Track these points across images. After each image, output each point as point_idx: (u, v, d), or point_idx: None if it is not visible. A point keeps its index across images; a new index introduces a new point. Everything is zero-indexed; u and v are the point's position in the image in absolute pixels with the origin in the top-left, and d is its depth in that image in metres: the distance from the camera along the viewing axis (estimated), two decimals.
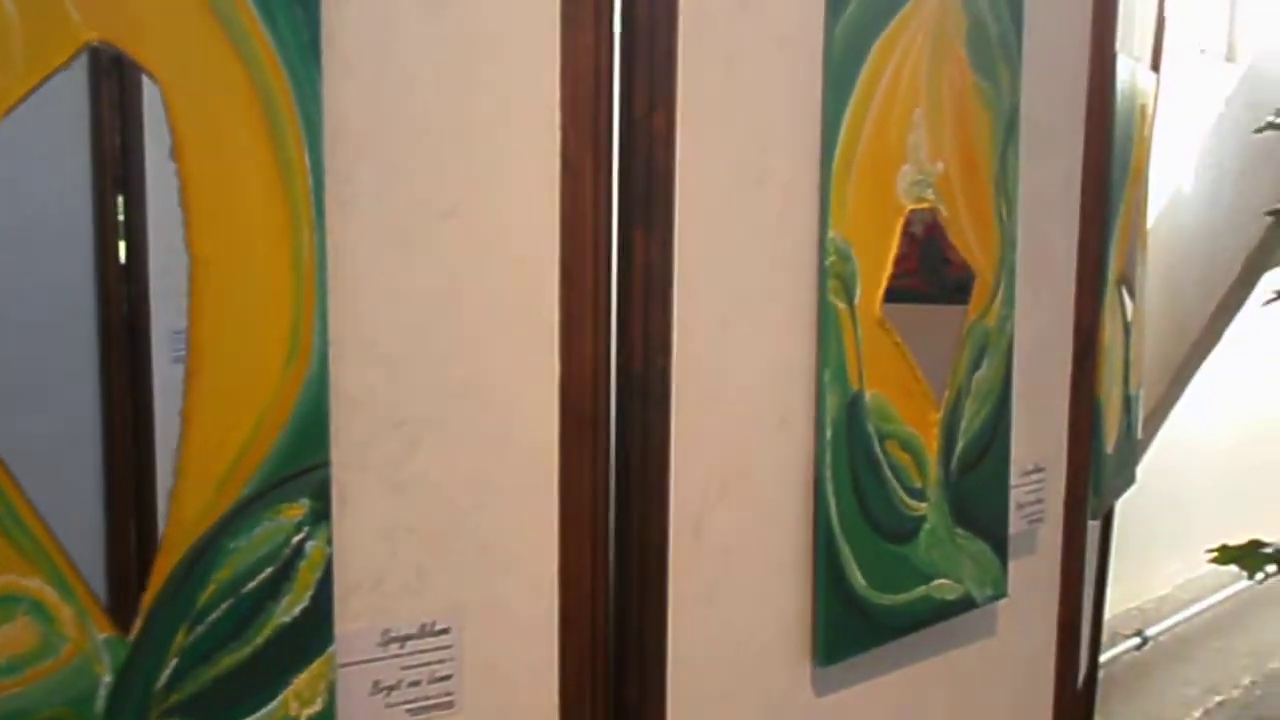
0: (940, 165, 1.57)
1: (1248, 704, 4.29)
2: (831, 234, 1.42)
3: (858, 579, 1.50)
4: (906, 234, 1.53)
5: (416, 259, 1.13)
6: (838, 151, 1.42)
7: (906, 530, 1.58)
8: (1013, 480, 1.77)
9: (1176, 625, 3.80)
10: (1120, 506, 3.66)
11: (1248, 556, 2.96)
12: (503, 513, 1.20)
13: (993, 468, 1.71)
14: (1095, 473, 2.22)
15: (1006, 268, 1.70)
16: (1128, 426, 2.44)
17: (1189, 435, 3.89)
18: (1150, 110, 2.45)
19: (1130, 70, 2.25)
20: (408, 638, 1.15)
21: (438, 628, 1.17)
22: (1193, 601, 3.90)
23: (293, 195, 0.99)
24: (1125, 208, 2.29)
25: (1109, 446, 2.29)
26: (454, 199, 1.14)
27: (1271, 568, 2.98)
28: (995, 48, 1.64)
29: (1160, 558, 3.36)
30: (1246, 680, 4.38)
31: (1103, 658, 3.44)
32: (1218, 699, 4.17)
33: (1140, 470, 3.65)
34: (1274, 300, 2.92)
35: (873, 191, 1.48)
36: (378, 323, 1.11)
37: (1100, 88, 1.90)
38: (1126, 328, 2.37)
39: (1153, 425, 3.09)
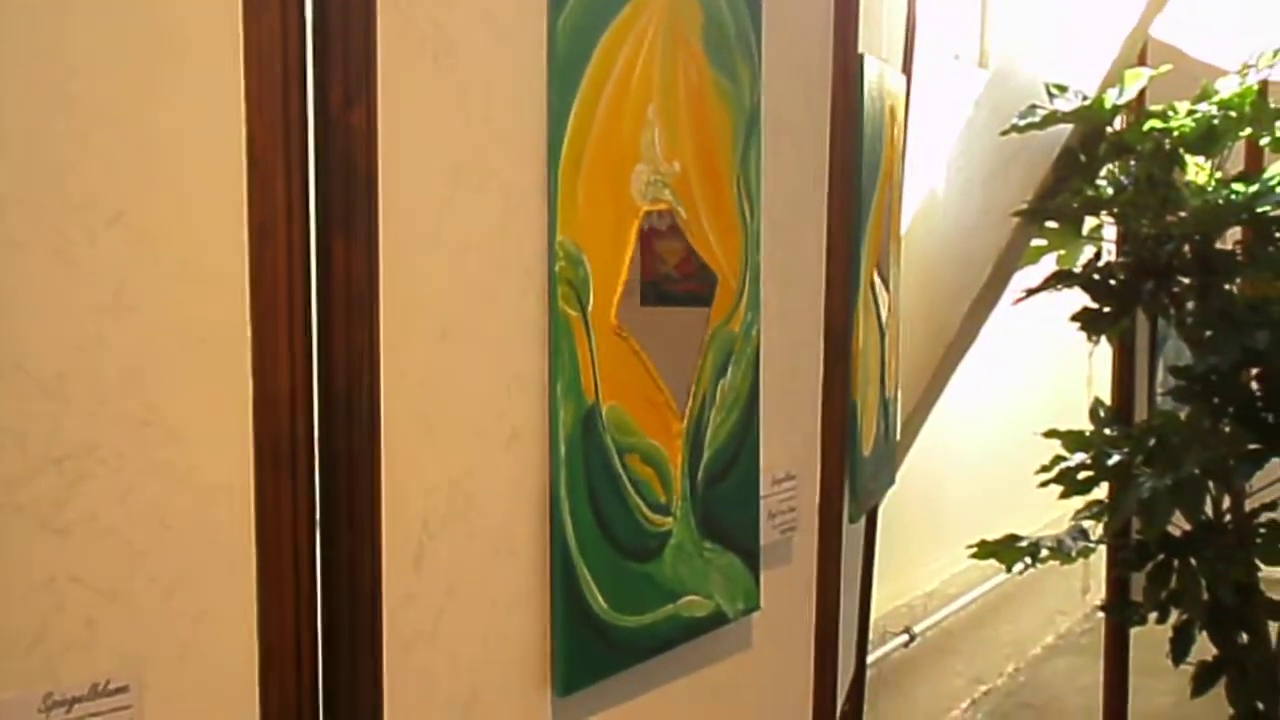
0: (677, 164, 1.50)
1: (1011, 690, 4.43)
2: (560, 238, 1.34)
3: (598, 601, 1.42)
4: (643, 237, 1.46)
5: (77, 270, 0.99)
6: (564, 150, 1.34)
7: (651, 547, 1.51)
8: (763, 490, 1.72)
9: (943, 620, 3.88)
10: (885, 506, 3.72)
11: (1005, 550, 3.02)
12: (190, 555, 1.07)
13: (741, 478, 1.66)
14: (852, 477, 2.21)
15: (751, 271, 1.65)
16: (885, 429, 2.45)
17: (950, 434, 3.97)
18: (900, 112, 2.46)
19: (878, 71, 2.25)
20: (75, 700, 1.01)
21: (113, 686, 1.03)
22: (958, 596, 3.99)
23: None
24: (876, 209, 2.29)
25: (866, 450, 2.28)
26: (121, 202, 1.01)
27: (1029, 559, 3.05)
28: (734, 44, 1.59)
29: (926, 554, 3.40)
30: (1010, 668, 4.52)
31: (872, 657, 3.47)
32: (984, 688, 4.29)
33: (904, 470, 3.72)
34: (1024, 299, 2.99)
35: (604, 192, 1.40)
36: (30, 343, 0.97)
37: (845, 87, 1.87)
38: (881, 330, 2.37)
39: (913, 426, 3.12)
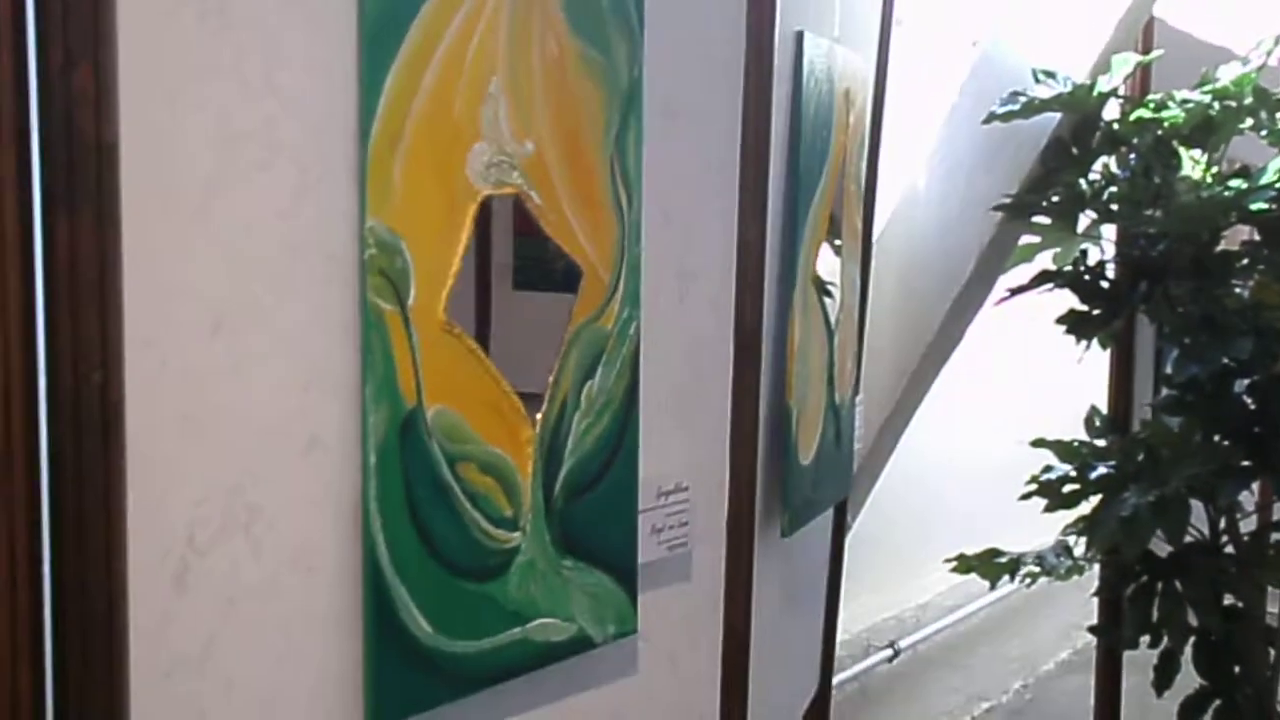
0: (529, 144, 1.36)
1: (1018, 709, 4.23)
2: (372, 221, 1.20)
3: (420, 626, 1.28)
4: (483, 224, 1.32)
5: None
6: (377, 124, 1.20)
7: (492, 566, 1.37)
8: (644, 503, 1.58)
9: (938, 633, 3.71)
10: (873, 514, 3.55)
11: (985, 566, 2.84)
12: None
13: (613, 490, 1.51)
14: (785, 488, 2.06)
15: (629, 264, 1.51)
16: (836, 435, 2.29)
17: (949, 439, 3.80)
18: (860, 97, 2.30)
19: (826, 51, 2.09)
20: None
21: None
22: (955, 608, 3.81)
23: None
24: (823, 200, 2.13)
25: (805, 458, 2.13)
26: None
27: (1010, 576, 2.88)
28: (605, 11, 1.44)
29: (920, 565, 3.23)
30: (1017, 684, 4.32)
31: (852, 672, 3.31)
32: (985, 705, 4.10)
33: (897, 477, 3.55)
34: (1008, 299, 2.80)
35: (431, 173, 1.26)
36: None
37: (759, 66, 1.72)
38: (829, 330, 2.21)
39: (892, 430, 2.96)
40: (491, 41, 1.30)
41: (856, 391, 2.49)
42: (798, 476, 2.09)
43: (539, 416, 1.41)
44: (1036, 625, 4.34)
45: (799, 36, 1.98)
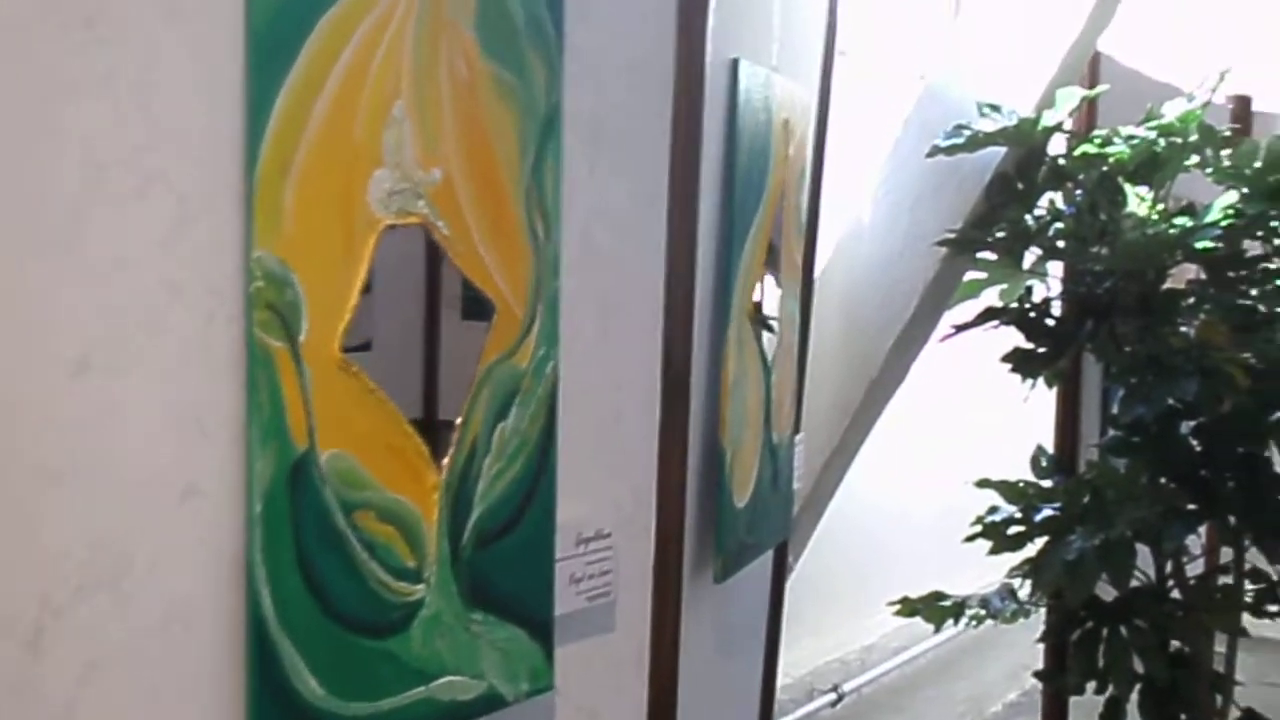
0: (436, 172, 1.28)
1: None
2: (259, 253, 1.12)
3: (310, 686, 1.19)
4: (385, 256, 1.24)
5: None
6: (265, 149, 1.12)
7: (392, 620, 1.28)
8: (562, 551, 1.49)
9: (884, 675, 3.63)
10: (824, 554, 3.47)
11: (929, 609, 2.78)
12: None
13: (528, 537, 1.43)
14: (718, 531, 1.98)
15: (546, 298, 1.43)
16: (774, 475, 2.21)
17: (898, 478, 3.73)
18: (801, 127, 2.24)
19: (764, 80, 2.03)
20: None
21: None
22: (901, 650, 3.74)
23: None
24: (760, 232, 2.07)
25: (740, 499, 2.05)
26: None
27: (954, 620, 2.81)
28: (522, 35, 1.37)
29: (866, 607, 3.15)
30: None
31: (794, 716, 3.23)
32: None
33: (843, 517, 3.48)
34: (950, 336, 2.75)
35: (327, 201, 1.18)
36: None
37: (689, 94, 1.65)
38: (766, 367, 2.14)
39: (835, 469, 2.88)
40: (395, 62, 1.23)
41: (796, 430, 2.42)
42: (732, 519, 2.01)
43: (445, 461, 1.32)
44: (985, 667, 4.28)
45: (734, 64, 1.92)
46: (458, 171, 1.30)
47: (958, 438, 3.97)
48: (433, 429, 1.32)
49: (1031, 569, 2.56)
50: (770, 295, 2.17)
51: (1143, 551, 2.56)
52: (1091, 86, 2.82)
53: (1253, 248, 2.58)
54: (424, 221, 1.28)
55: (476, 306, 1.35)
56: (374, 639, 1.26)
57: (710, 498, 1.98)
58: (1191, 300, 2.52)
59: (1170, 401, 2.29)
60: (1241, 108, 3.97)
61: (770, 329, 2.16)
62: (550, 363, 1.44)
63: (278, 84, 1.12)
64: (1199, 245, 2.33)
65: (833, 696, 3.30)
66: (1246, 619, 2.63)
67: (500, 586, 1.40)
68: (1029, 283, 2.73)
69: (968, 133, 2.47)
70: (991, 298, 2.81)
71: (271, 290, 1.13)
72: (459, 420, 1.34)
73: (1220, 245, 2.37)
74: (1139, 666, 2.55)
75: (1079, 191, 2.66)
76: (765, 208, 2.07)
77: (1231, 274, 2.54)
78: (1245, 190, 2.37)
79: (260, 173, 1.11)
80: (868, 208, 2.77)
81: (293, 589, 1.17)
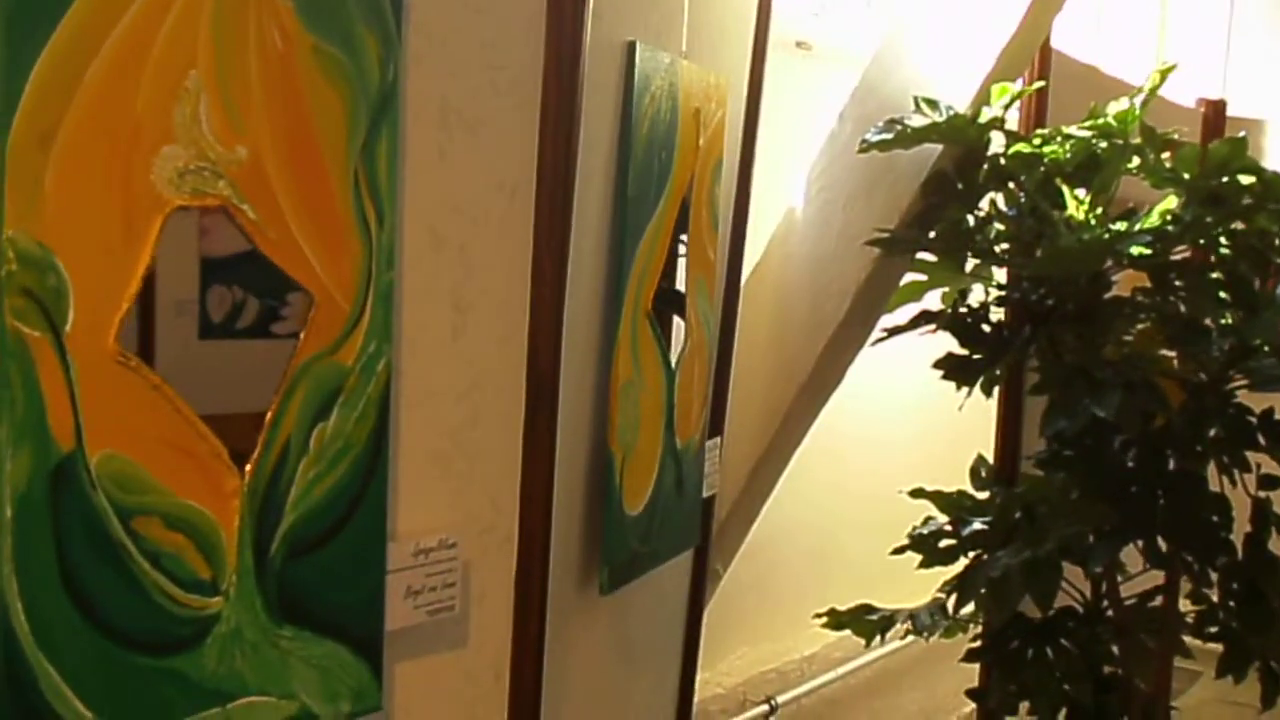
0: (241, 150, 1.18)
1: None
2: (12, 233, 1.02)
3: (73, 709, 1.09)
4: (173, 240, 1.14)
5: None
6: (18, 118, 1.01)
7: (182, 637, 1.18)
8: (395, 562, 1.39)
9: (824, 686, 3.53)
10: (764, 560, 3.37)
11: (856, 622, 2.67)
12: None
13: (351, 547, 1.33)
14: (606, 540, 1.88)
15: (378, 291, 1.32)
16: (677, 481, 2.11)
17: (846, 483, 3.63)
18: (715, 117, 2.13)
19: (668, 66, 1.92)
20: None
21: None
22: (846, 660, 3.63)
23: None
24: (661, 227, 1.96)
25: (634, 507, 1.95)
26: None
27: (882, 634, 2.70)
28: (350, 5, 1.27)
29: (811, 614, 3.04)
30: None
31: None
32: None
33: (784, 523, 3.37)
34: (883, 340, 2.64)
35: (100, 178, 1.08)
36: None
37: (561, 76, 1.54)
38: (668, 369, 2.04)
39: (766, 473, 2.77)
40: (189, 28, 1.12)
41: (712, 434, 2.31)
42: (621, 528, 1.91)
43: (249, 465, 1.22)
44: (938, 677, 4.16)
45: (630, 47, 1.82)
46: (269, 151, 1.20)
47: (910, 443, 3.87)
48: (238, 429, 1.23)
49: (957, 585, 2.45)
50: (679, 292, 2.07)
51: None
52: (1034, 83, 2.72)
53: None
54: (225, 203, 1.17)
55: (282, 299, 1.25)
56: (157, 657, 1.16)
57: (598, 505, 1.88)
58: (1128, 310, 2.40)
59: (1101, 415, 2.18)
60: (1215, 112, 3.86)
61: (672, 329, 2.05)
62: (382, 360, 1.34)
63: (38, 44, 1.02)
64: (1133, 251, 2.22)
65: (765, 709, 3.19)
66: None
67: (317, 599, 1.30)
68: (965, 287, 2.62)
69: (900, 127, 2.36)
70: (933, 300, 2.70)
71: (28, 274, 1.03)
72: (267, 420, 1.24)
73: (1157, 251, 2.26)
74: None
75: (1022, 194, 2.55)
76: (668, 201, 1.97)
77: (1177, 282, 2.44)
78: (1183, 196, 2.26)
79: (12, 143, 1.01)
80: (801, 204, 2.66)
81: (53, 602, 1.07)
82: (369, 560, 1.36)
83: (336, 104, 1.26)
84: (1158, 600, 2.54)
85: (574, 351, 1.72)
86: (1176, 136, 2.42)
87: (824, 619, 2.73)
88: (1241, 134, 2.37)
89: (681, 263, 2.09)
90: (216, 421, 1.19)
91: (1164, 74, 2.30)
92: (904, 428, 3.87)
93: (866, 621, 2.66)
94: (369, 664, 1.36)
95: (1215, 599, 2.45)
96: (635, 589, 2.03)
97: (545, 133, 1.54)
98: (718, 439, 2.36)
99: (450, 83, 1.41)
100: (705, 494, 2.28)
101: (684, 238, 2.06)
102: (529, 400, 1.57)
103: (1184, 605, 2.53)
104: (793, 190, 2.73)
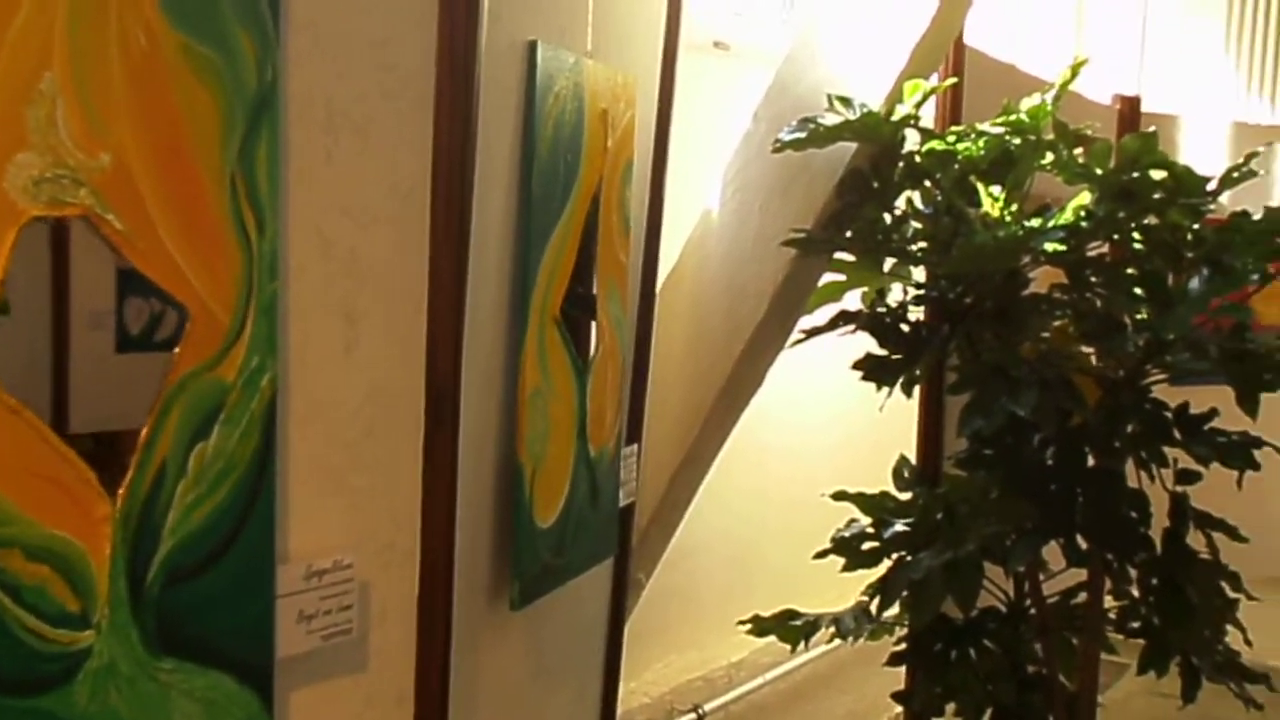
0: (105, 156, 1.11)
1: None
2: None
3: None
4: (28, 252, 1.07)
5: None
6: None
7: (48, 674, 1.11)
8: (284, 586, 1.33)
9: (753, 692, 3.50)
10: (690, 567, 3.33)
11: (780, 628, 2.64)
12: None
13: (236, 572, 1.26)
14: (516, 554, 1.83)
15: (260, 303, 1.26)
16: (591, 491, 2.06)
17: (761, 486, 3.60)
18: (624, 118, 2.08)
19: (573, 67, 1.87)
20: None
21: None
22: (775, 665, 3.61)
23: None
24: (569, 230, 1.91)
25: (545, 519, 1.90)
26: None
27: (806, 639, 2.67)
28: (223, 3, 1.20)
29: (735, 620, 3.00)
30: None
31: None
32: None
33: (708, 529, 3.34)
34: (802, 341, 2.61)
35: None
36: None
37: (453, 75, 1.49)
38: (580, 376, 1.99)
39: (687, 479, 2.73)
40: (41, 27, 1.06)
41: (628, 441, 2.27)
42: (532, 541, 1.86)
43: (121, 490, 1.15)
44: (866, 680, 4.15)
45: (531, 47, 1.76)
46: (135, 156, 1.14)
47: (833, 445, 3.85)
48: (109, 452, 1.16)
49: (880, 588, 2.43)
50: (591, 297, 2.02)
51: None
52: (947, 79, 2.70)
53: None
54: (87, 213, 1.11)
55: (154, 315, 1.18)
56: (22, 697, 1.09)
57: (506, 518, 1.82)
58: (1046, 306, 2.39)
59: (1019, 413, 2.16)
60: (1130, 109, 3.88)
61: (583, 334, 2.00)
62: (266, 375, 1.27)
63: None
64: (1047, 247, 2.21)
65: (692, 717, 3.15)
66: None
67: (200, 628, 1.23)
68: (884, 286, 2.60)
69: (813, 126, 2.33)
70: (853, 300, 2.68)
71: None
72: (141, 441, 1.17)
73: (1071, 247, 2.25)
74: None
75: (937, 191, 2.53)
76: (576, 203, 1.92)
77: (1093, 278, 2.43)
78: (1096, 191, 2.25)
79: None
80: (717, 205, 2.63)
81: None
82: (256, 585, 1.29)
83: (209, 106, 1.20)
84: (1081, 597, 2.53)
85: (477, 360, 1.66)
86: (1089, 132, 2.42)
87: (748, 626, 2.69)
88: (1152, 129, 2.36)
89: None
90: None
91: (1075, 69, 2.29)
92: (826, 430, 3.86)
93: (791, 627, 2.62)
94: (258, 694, 1.29)
95: (1136, 594, 2.45)
96: (550, 602, 1.98)
97: (440, 134, 1.49)
98: (635, 446, 2.31)
99: (336, 83, 1.35)
100: (622, 502, 2.23)
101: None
102: (429, 411, 1.52)
103: (1108, 601, 2.52)
104: (710, 192, 2.70)
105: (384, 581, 1.49)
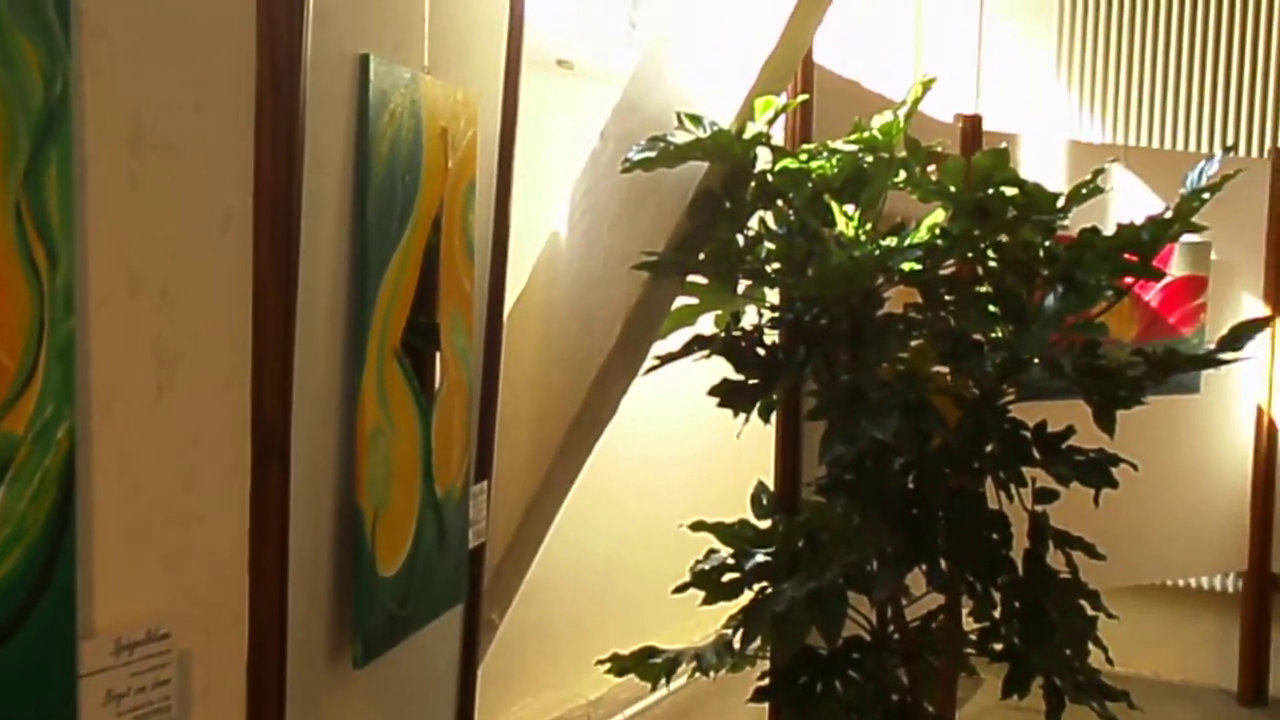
0: None
1: None
2: None
3: None
4: None
5: None
6: None
7: None
8: (92, 663, 1.18)
9: None
10: (544, 606, 3.21)
11: (640, 665, 2.54)
12: None
13: (31, 651, 1.11)
14: (358, 607, 1.70)
15: (54, 345, 1.12)
16: (439, 534, 1.94)
17: (617, 518, 3.50)
18: (465, 137, 1.97)
19: (409, 83, 1.76)
20: None
21: None
22: (635, 700, 3.52)
23: None
24: (408, 257, 1.79)
25: (389, 568, 1.77)
26: None
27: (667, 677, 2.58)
28: (3, 9, 1.06)
29: (595, 657, 2.89)
30: None
31: None
32: None
33: (566, 563, 3.23)
34: (656, 368, 2.53)
35: None
36: None
37: (275, 91, 1.36)
38: (423, 413, 1.86)
39: (540, 514, 2.63)
40: None
41: (477, 478, 2.15)
42: (374, 592, 1.73)
43: None
44: (731, 712, 4.08)
45: (364, 61, 1.64)
46: None
47: (692, 475, 3.78)
48: None
49: (742, 621, 2.35)
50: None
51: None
52: (797, 97, 2.66)
53: None
54: None
55: None
56: None
57: (346, 569, 1.69)
58: (902, 326, 2.35)
59: (879, 437, 2.11)
60: (973, 127, 3.91)
61: (425, 368, 1.88)
62: (63, 425, 1.13)
63: None
64: (904, 266, 2.17)
65: None
66: None
67: None
68: (738, 309, 2.53)
69: (662, 145, 2.25)
70: (708, 324, 2.61)
71: None
72: None
73: (927, 266, 2.21)
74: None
75: (791, 211, 2.47)
76: (416, 227, 1.80)
77: (948, 297, 2.40)
78: (950, 209, 2.22)
79: None
80: (565, 228, 2.53)
81: None
82: (54, 664, 1.14)
83: None
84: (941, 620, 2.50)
85: (310, 399, 1.53)
86: (941, 149, 2.40)
87: (607, 665, 2.59)
88: (1003, 145, 2.35)
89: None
90: None
91: (926, 86, 2.26)
92: (683, 459, 3.78)
93: (651, 665, 2.53)
94: None
95: (998, 616, 2.42)
96: (397, 655, 1.85)
97: (262, 154, 1.36)
98: (485, 483, 2.20)
99: (141, 98, 1.22)
100: (472, 543, 2.11)
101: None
102: (255, 458, 1.38)
103: (969, 623, 2.49)
104: (557, 214, 2.60)
105: (207, 650, 1.34)
